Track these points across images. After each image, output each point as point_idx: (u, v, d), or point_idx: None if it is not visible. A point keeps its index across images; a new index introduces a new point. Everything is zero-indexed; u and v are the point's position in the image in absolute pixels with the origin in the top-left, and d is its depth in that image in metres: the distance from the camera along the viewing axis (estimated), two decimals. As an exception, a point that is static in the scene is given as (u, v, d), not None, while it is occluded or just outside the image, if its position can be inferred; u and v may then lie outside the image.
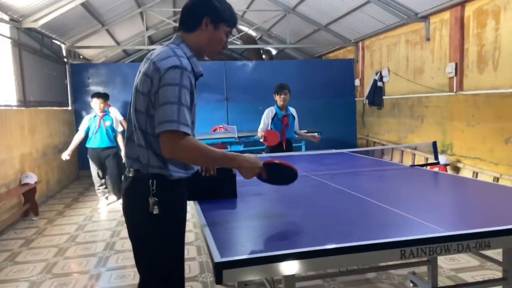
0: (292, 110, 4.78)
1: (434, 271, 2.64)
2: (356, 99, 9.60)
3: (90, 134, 5.68)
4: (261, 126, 4.69)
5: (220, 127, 8.51)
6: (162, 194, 1.72)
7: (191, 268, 3.49)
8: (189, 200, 2.12)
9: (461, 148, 6.24)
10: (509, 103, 5.25)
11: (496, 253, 2.10)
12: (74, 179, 8.18)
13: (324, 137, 8.00)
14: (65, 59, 8.45)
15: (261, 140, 4.64)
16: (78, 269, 3.59)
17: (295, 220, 1.84)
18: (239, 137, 6.82)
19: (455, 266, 3.29)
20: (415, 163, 5.90)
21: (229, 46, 11.99)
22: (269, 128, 4.63)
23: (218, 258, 1.33)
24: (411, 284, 2.94)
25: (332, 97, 9.49)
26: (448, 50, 6.39)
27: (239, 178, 2.40)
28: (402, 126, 7.85)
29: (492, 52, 5.56)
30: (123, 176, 1.87)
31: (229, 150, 7.16)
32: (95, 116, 5.67)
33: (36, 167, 6.21)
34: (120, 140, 5.78)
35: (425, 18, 6.86)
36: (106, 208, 5.75)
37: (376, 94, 8.56)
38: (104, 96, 5.76)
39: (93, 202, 6.06)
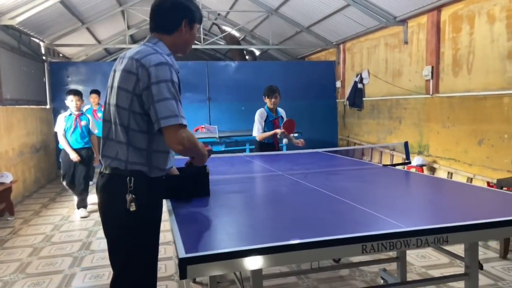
0: (281, 111, 4.75)
1: (403, 268, 2.71)
2: (337, 100, 9.71)
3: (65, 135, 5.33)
4: (257, 128, 4.55)
5: (202, 127, 8.50)
6: (139, 191, 1.74)
7: (167, 267, 3.49)
8: (164, 198, 2.15)
9: (436, 149, 6.38)
10: (482, 106, 5.40)
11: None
12: (52, 178, 8.06)
13: (305, 138, 8.08)
14: (44, 57, 8.32)
15: (280, 135, 4.43)
16: (52, 269, 3.55)
17: (262, 217, 1.88)
18: (220, 137, 6.83)
19: (426, 264, 3.38)
20: (393, 163, 6.02)
21: (213, 46, 11.91)
22: (262, 130, 4.54)
23: (182, 254, 1.35)
24: (382, 281, 3.01)
25: (313, 98, 9.58)
26: (425, 54, 6.54)
27: (213, 177, 2.43)
28: (381, 127, 7.98)
29: (466, 56, 5.71)
30: (99, 174, 1.87)
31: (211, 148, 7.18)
32: (70, 114, 5.31)
33: (12, 166, 6.10)
34: (94, 141, 5.50)
35: (403, 21, 7.00)
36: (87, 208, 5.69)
37: (357, 95, 8.68)
38: (80, 94, 5.40)
39: (71, 202, 5.98)
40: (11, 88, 6.52)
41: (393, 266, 3.13)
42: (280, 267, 3.24)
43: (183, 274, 1.32)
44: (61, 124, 5.34)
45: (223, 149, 6.95)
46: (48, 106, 8.35)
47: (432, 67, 6.31)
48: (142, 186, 1.74)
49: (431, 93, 6.40)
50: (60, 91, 8.39)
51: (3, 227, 4.88)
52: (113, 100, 1.77)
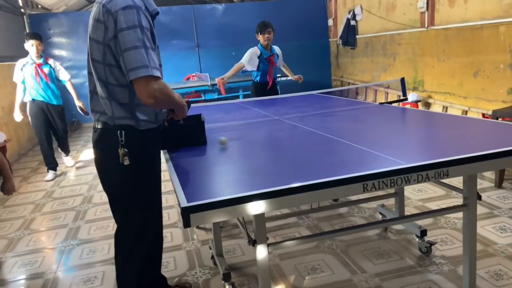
0: (276, 48, 4.58)
1: (401, 203, 2.77)
2: (330, 39, 9.46)
3: (26, 86, 4.79)
4: (245, 60, 4.36)
5: (193, 76, 8.33)
6: (131, 144, 1.70)
7: (170, 215, 3.55)
8: (161, 149, 2.13)
9: (431, 84, 6.32)
10: (479, 36, 5.27)
11: (461, 183, 2.19)
12: (46, 136, 7.98)
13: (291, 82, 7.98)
14: (22, 10, 7.91)
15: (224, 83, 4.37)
16: (56, 223, 3.61)
17: (261, 163, 1.86)
18: (212, 85, 6.71)
19: (423, 197, 3.46)
20: (389, 101, 5.98)
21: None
22: (257, 68, 4.40)
23: (184, 203, 1.34)
24: (380, 216, 3.09)
25: (305, 38, 9.31)
26: (420, -16, 6.27)
27: (208, 125, 2.40)
28: (375, 65, 7.84)
29: (463, -16, 5.47)
30: (92, 129, 1.82)
31: (203, 98, 7.08)
32: (27, 63, 4.72)
33: (4, 125, 6.01)
34: (70, 88, 5.06)
35: (397, -50, 6.64)
36: (80, 163, 5.70)
37: (350, 33, 8.45)
38: (40, 38, 4.82)
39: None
40: (-9, 44, 6.26)
41: (391, 201, 3.20)
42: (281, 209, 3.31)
43: (186, 223, 1.32)
44: (17, 74, 4.72)
45: (216, 97, 6.85)
46: (32, 62, 8.07)
47: (428, -2, 6.08)
48: (134, 139, 1.70)
49: (426, 26, 6.21)
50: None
51: (3, 187, 4.89)
52: (89, 53, 1.68)
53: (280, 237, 2.99)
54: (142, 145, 1.74)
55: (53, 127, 5.08)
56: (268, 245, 1.76)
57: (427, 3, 6.09)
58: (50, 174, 5.07)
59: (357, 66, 8.54)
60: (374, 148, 1.82)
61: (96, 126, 1.76)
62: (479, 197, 1.98)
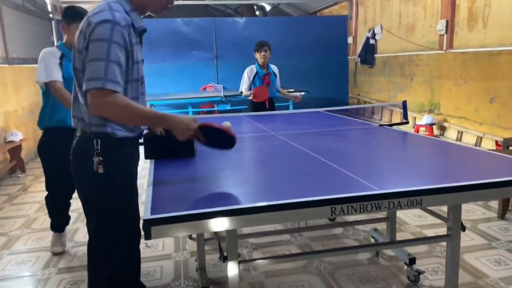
0: (274, 67, 4.66)
1: (392, 227, 2.71)
2: (348, 57, 9.43)
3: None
4: (244, 86, 4.60)
5: (210, 86, 8.43)
6: (107, 153, 1.71)
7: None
8: (148, 159, 2.16)
9: (447, 107, 6.20)
10: (496, 62, 5.16)
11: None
12: (64, 137, 8.20)
13: (315, 96, 7.96)
14: (51, 15, 8.23)
15: (250, 98, 4.56)
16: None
17: (237, 180, 1.86)
18: (225, 96, 6.77)
19: (421, 223, 3.37)
20: (391, 123, 5.89)
21: (221, 1, 11.54)
22: (248, 86, 4.56)
23: (147, 215, 1.36)
24: (373, 240, 3.03)
25: (324, 55, 9.31)
26: (440, 6, 6.21)
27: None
28: (392, 85, 7.76)
29: (482, 9, 5.40)
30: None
31: (216, 109, 7.16)
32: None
33: (23, 125, 6.22)
34: None
35: (419, -28, 6.61)
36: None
37: (368, 52, 8.42)
38: None
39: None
40: (17, 47, 6.51)
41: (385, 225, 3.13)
42: (275, 225, 3.29)
43: (147, 235, 1.34)
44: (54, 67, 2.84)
45: (228, 108, 6.91)
46: (56, 65, 8.35)
47: (447, 20, 6.02)
48: (109, 148, 1.70)
49: (444, 49, 6.14)
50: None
51: (14, 184, 5.05)
52: (72, 61, 1.73)
53: (270, 253, 2.96)
54: (118, 154, 1.74)
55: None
56: (239, 262, 1.76)
57: (447, 26, 6.02)
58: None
59: (374, 85, 8.47)
60: (354, 171, 1.79)
61: (76, 133, 1.80)
62: (463, 228, 1.92)
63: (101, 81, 1.55)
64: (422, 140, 2.68)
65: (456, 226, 1.90)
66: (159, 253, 3.04)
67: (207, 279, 2.37)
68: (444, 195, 1.55)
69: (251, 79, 4.52)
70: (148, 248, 3.11)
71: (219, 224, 1.38)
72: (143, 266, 2.72)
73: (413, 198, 1.52)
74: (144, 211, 1.41)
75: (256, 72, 4.49)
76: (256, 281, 2.58)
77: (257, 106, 4.52)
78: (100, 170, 1.69)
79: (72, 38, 1.76)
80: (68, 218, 3.35)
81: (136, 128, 1.83)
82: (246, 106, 7.05)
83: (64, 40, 2.93)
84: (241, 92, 4.65)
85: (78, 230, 3.54)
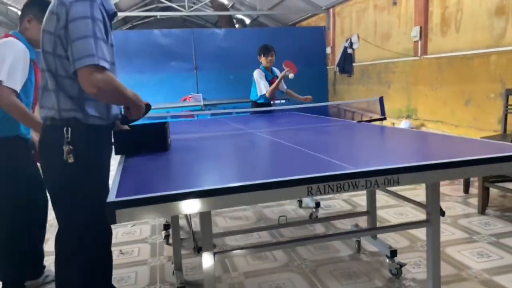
0: (277, 70, 4.66)
1: (372, 220, 2.67)
2: (327, 67, 9.54)
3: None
4: (263, 86, 4.41)
5: (190, 97, 8.37)
6: (77, 141, 1.64)
7: (142, 231, 3.45)
8: (119, 154, 2.07)
9: (424, 112, 6.29)
10: (469, 65, 5.27)
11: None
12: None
13: (295, 105, 7.97)
14: (25, 27, 8.08)
15: (291, 75, 4.53)
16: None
17: (210, 166, 1.79)
18: (205, 105, 6.72)
19: (403, 220, 3.33)
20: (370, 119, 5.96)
21: (198, 13, 11.57)
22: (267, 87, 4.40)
23: (111, 198, 1.28)
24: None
25: (303, 65, 9.31)
26: (414, 14, 6.35)
27: (180, 136, 2.35)
28: (371, 92, 7.85)
29: (454, 14, 5.53)
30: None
31: (196, 119, 7.08)
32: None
33: None
34: None
35: (392, -19, 6.77)
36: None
37: (346, 61, 8.52)
38: None
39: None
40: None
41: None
42: (255, 222, 3.21)
43: (111, 219, 1.26)
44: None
45: (209, 118, 6.84)
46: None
47: (421, 27, 6.14)
48: (80, 135, 1.64)
49: (419, 55, 6.25)
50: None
51: None
52: (41, 46, 1.66)
53: (249, 254, 2.87)
54: (89, 142, 1.68)
55: None
56: (215, 253, 1.68)
57: (420, 33, 6.15)
58: None
59: (353, 93, 8.56)
60: (332, 156, 1.75)
61: (44, 123, 1.71)
62: (443, 213, 1.89)
63: (94, 58, 1.50)
64: (401, 132, 2.68)
65: (435, 210, 1.87)
66: (134, 259, 2.91)
67: (184, 280, 2.27)
68: (422, 172, 1.51)
69: (264, 79, 4.43)
70: (122, 255, 2.98)
71: (190, 206, 1.30)
72: (117, 272, 2.62)
73: (390, 176, 1.48)
74: (109, 194, 1.33)
75: (265, 75, 4.44)
76: (236, 281, 2.49)
77: (262, 106, 4.40)
78: (70, 160, 1.61)
79: (39, 34, 1.62)
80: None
81: (111, 116, 1.77)
82: (227, 116, 7.04)
83: (26, 34, 2.26)
84: (263, 95, 4.46)
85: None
